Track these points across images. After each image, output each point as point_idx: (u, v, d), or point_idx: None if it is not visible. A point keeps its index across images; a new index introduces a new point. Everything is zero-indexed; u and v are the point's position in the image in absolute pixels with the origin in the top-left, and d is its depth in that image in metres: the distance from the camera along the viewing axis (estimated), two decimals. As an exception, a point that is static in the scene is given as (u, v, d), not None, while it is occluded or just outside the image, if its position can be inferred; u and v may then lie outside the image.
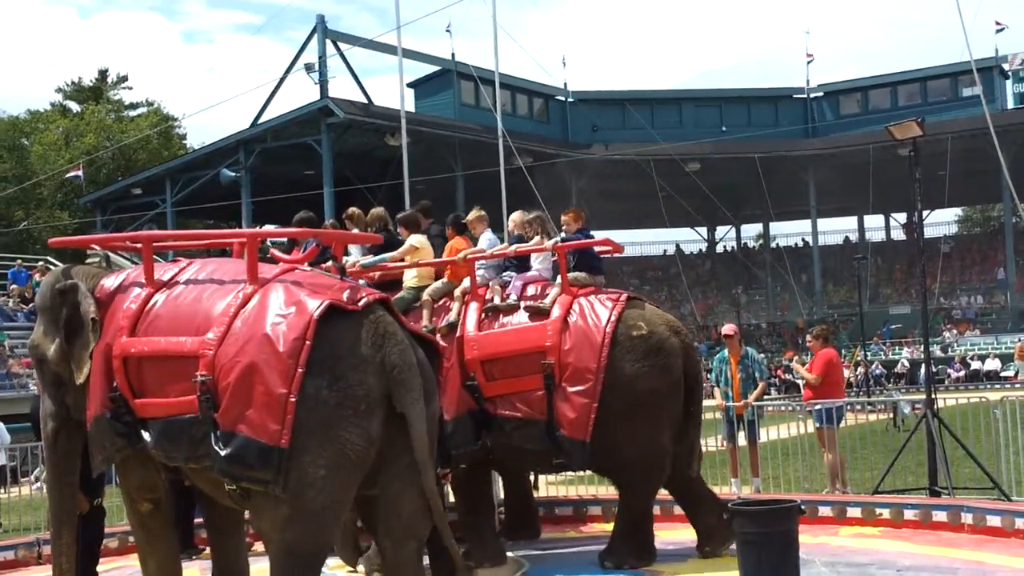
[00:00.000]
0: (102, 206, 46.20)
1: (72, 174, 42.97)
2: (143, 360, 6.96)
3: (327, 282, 7.01)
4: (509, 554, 10.26)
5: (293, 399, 6.24)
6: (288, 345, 6.34)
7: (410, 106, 43.60)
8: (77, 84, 60.52)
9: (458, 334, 9.57)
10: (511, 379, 9.31)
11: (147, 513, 7.41)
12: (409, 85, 45.58)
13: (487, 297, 9.93)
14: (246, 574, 7.87)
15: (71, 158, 47.87)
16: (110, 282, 7.46)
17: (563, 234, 10.29)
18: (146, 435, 6.93)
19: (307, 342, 6.33)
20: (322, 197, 39.05)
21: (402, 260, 10.21)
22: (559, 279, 9.92)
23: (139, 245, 7.85)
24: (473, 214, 10.87)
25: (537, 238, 10.24)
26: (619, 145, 49.61)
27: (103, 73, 60.91)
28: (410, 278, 10.27)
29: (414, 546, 6.71)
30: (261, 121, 42.93)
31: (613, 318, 9.39)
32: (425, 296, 9.99)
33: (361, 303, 6.65)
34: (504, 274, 10.22)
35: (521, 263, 10.32)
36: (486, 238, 10.49)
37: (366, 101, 43.49)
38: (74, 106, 58.99)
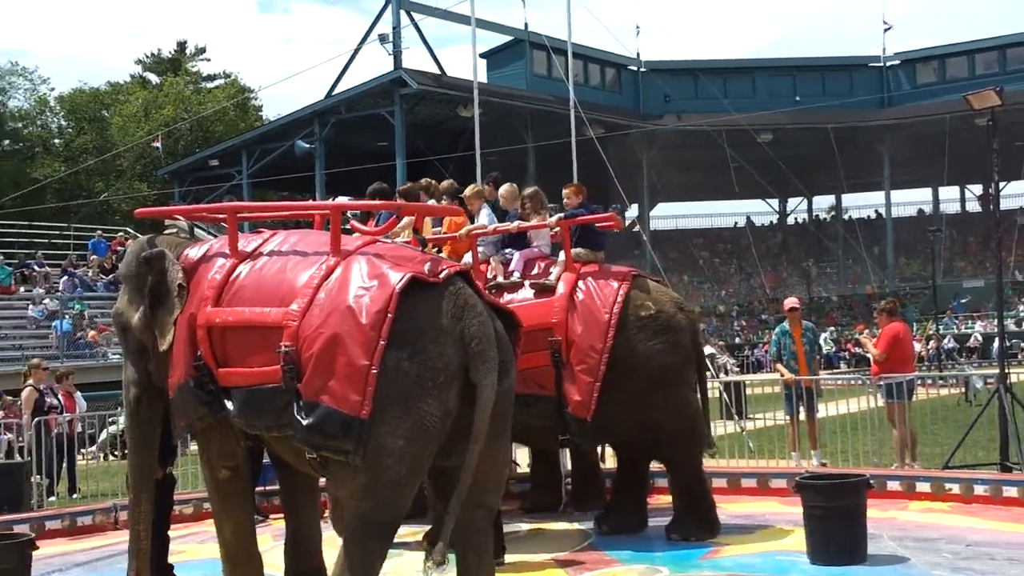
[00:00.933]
0: (180, 177, 46.93)
1: (154, 145, 43.73)
2: (227, 330, 7.09)
3: (408, 254, 7.09)
4: (576, 525, 10.47)
5: (375, 371, 6.29)
6: (371, 317, 6.41)
7: (482, 77, 43.67)
8: (156, 56, 61.33)
9: None
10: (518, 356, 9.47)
11: (225, 480, 7.55)
12: (482, 56, 45.65)
13: (489, 274, 10.01)
14: (319, 541, 8.12)
15: (150, 130, 48.65)
16: (194, 252, 7.62)
17: (565, 210, 10.31)
18: (229, 404, 7.07)
19: (389, 315, 6.39)
20: (394, 168, 39.32)
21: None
22: (561, 255, 9.99)
23: (223, 216, 8.09)
24: (470, 190, 10.90)
25: (538, 215, 10.31)
26: (691, 116, 49.30)
27: (182, 45, 61.72)
28: None
29: (483, 514, 6.81)
30: (335, 92, 43.32)
31: (620, 297, 9.52)
32: None
33: (442, 275, 6.69)
34: (505, 251, 10.27)
35: (519, 239, 10.33)
36: (485, 214, 10.49)
37: (439, 72, 43.71)
38: (153, 78, 59.82)
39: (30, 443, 13.57)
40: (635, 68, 53.68)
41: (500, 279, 9.93)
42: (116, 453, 16.50)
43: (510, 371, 6.81)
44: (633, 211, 55.18)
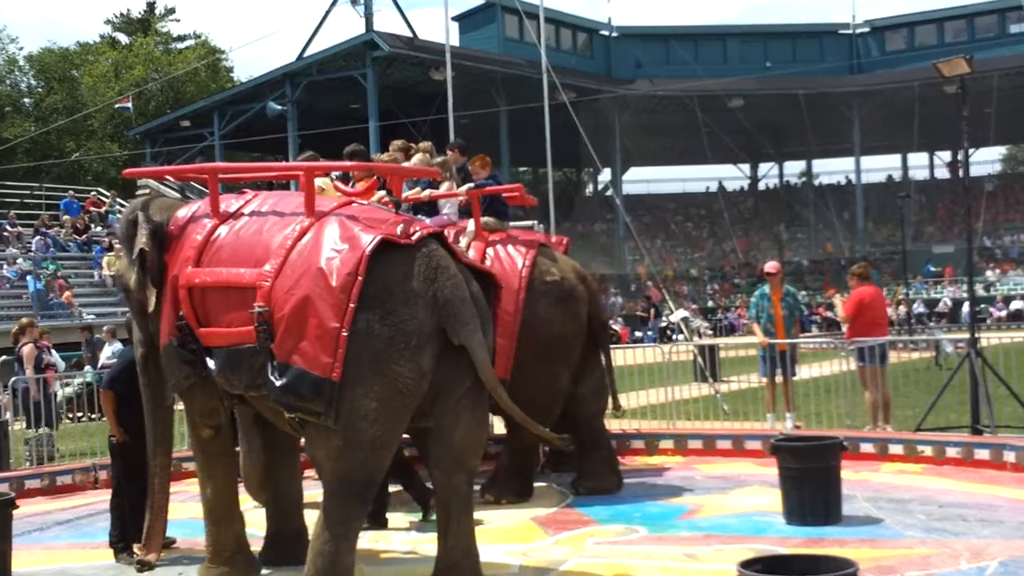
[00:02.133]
0: (151, 138, 46.59)
1: (121, 105, 43.33)
2: (206, 290, 7.16)
3: (382, 216, 7.08)
4: (554, 486, 10.58)
5: (345, 333, 6.33)
6: (341, 279, 6.42)
7: (454, 40, 43.46)
8: (126, 16, 60.69)
9: None
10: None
11: (207, 439, 7.64)
12: (453, 19, 45.42)
13: None
14: (300, 501, 8.18)
15: (120, 90, 48.22)
16: (182, 213, 7.65)
17: (473, 180, 10.60)
18: (211, 363, 7.15)
19: (359, 277, 6.41)
20: (367, 131, 39.20)
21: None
22: (470, 224, 10.30)
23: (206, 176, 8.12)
24: (385, 156, 11.04)
25: (447, 183, 10.54)
26: (663, 81, 49.29)
27: (151, 5, 61.02)
28: None
29: (463, 477, 6.84)
30: (307, 54, 43.05)
31: (527, 263, 9.91)
32: None
33: (415, 237, 6.70)
34: (416, 217, 10.41)
35: (431, 207, 10.66)
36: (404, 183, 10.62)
37: (411, 35, 43.47)
38: (123, 38, 59.24)
39: (29, 399, 13.73)
40: (607, 33, 53.58)
41: None
42: (71, 416, 16.38)
43: (488, 332, 6.86)
44: (606, 175, 55.26)
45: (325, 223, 6.88)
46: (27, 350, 15.17)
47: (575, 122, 21.27)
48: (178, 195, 8.04)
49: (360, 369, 6.36)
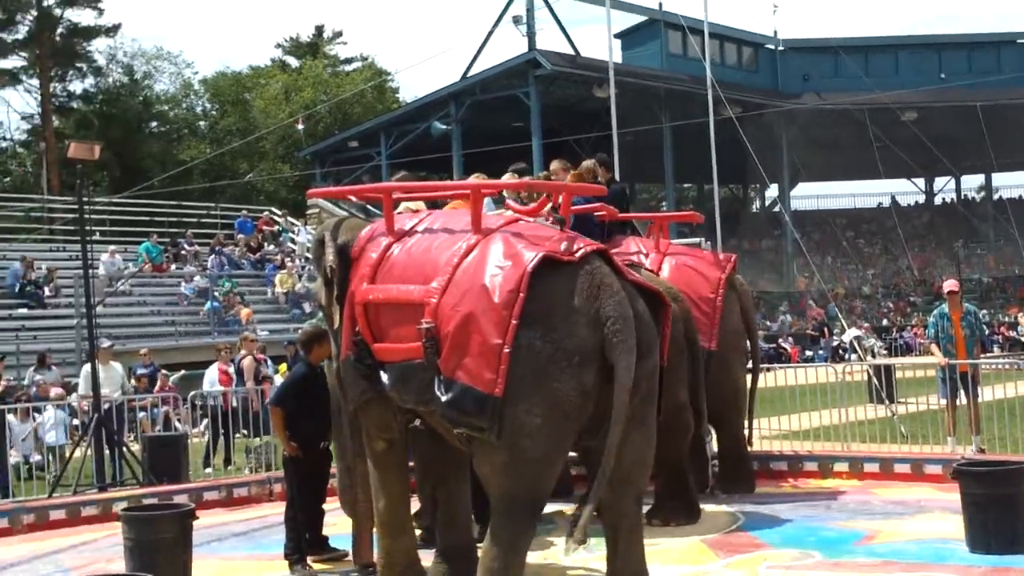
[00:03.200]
0: (320, 158, 47.77)
1: (296, 127, 44.64)
2: (380, 306, 7.31)
3: (546, 233, 7.08)
4: (724, 507, 10.38)
5: (507, 350, 6.35)
6: (503, 296, 6.46)
7: (617, 57, 43.46)
8: (295, 40, 62.42)
9: None
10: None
11: (381, 452, 7.75)
12: (616, 36, 45.38)
13: None
14: (469, 517, 8.17)
15: (291, 112, 49.58)
16: (365, 232, 7.84)
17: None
18: (384, 378, 7.27)
19: (521, 294, 6.42)
20: (530, 149, 39.41)
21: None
22: None
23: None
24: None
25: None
26: (832, 94, 48.23)
27: (319, 29, 62.70)
28: None
29: (632, 497, 6.79)
30: (471, 74, 43.56)
31: None
32: None
33: (578, 254, 6.68)
34: None
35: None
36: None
37: (573, 53, 43.57)
38: (293, 61, 60.99)
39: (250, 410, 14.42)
40: (773, 47, 52.72)
41: None
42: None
43: (653, 351, 6.77)
44: (773, 191, 54.38)
45: (491, 241, 6.92)
46: (247, 362, 15.95)
47: (741, 137, 20.98)
48: (348, 214, 8.38)
49: (522, 386, 6.36)
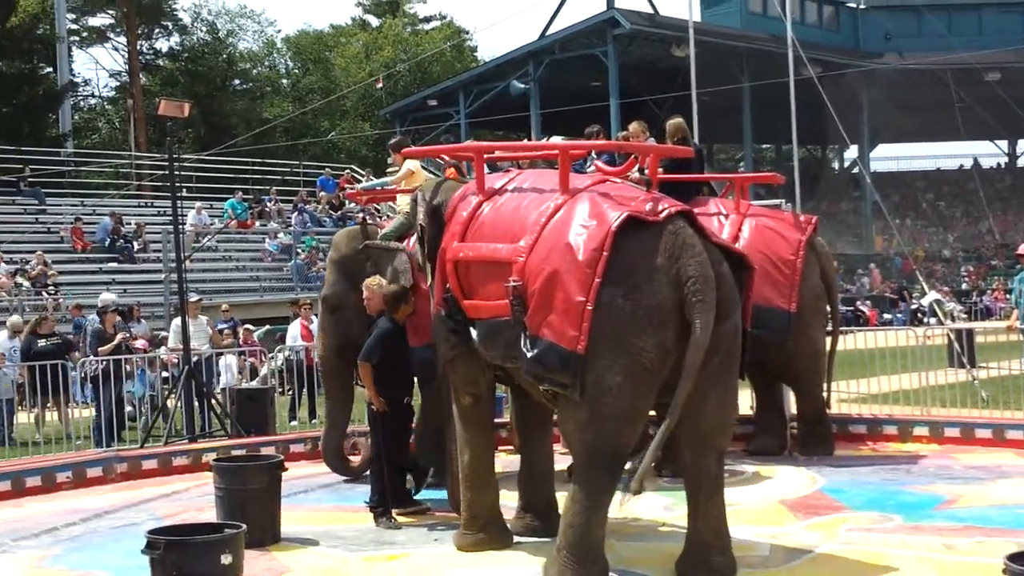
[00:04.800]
0: (400, 117, 47.95)
1: (376, 86, 44.89)
2: (470, 264, 7.51)
3: (632, 194, 7.18)
4: (803, 469, 10.44)
5: (590, 307, 6.47)
6: (587, 255, 6.58)
7: (697, 16, 42.95)
8: (375, -2, 62.70)
9: None
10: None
11: (467, 407, 7.90)
12: (696, -6, 44.90)
13: None
14: (551, 475, 8.37)
15: (371, 71, 49.80)
16: (459, 192, 8.02)
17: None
18: (473, 334, 7.47)
19: (604, 253, 6.54)
20: (608, 108, 39.26)
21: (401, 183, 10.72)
22: None
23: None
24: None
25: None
26: (914, 54, 47.22)
27: (399, -13, 62.79)
28: (405, 203, 10.49)
29: (713, 457, 6.86)
30: (549, 33, 43.41)
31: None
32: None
33: (662, 215, 6.76)
34: None
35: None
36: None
37: (652, 11, 43.23)
38: (373, 20, 61.14)
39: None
40: (854, 5, 51.78)
41: None
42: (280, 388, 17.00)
43: (732, 312, 6.82)
44: (853, 152, 53.60)
45: (577, 200, 7.04)
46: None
47: (821, 98, 20.72)
48: (439, 176, 8.75)
49: (604, 343, 6.48)
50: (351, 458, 10.80)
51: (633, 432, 6.77)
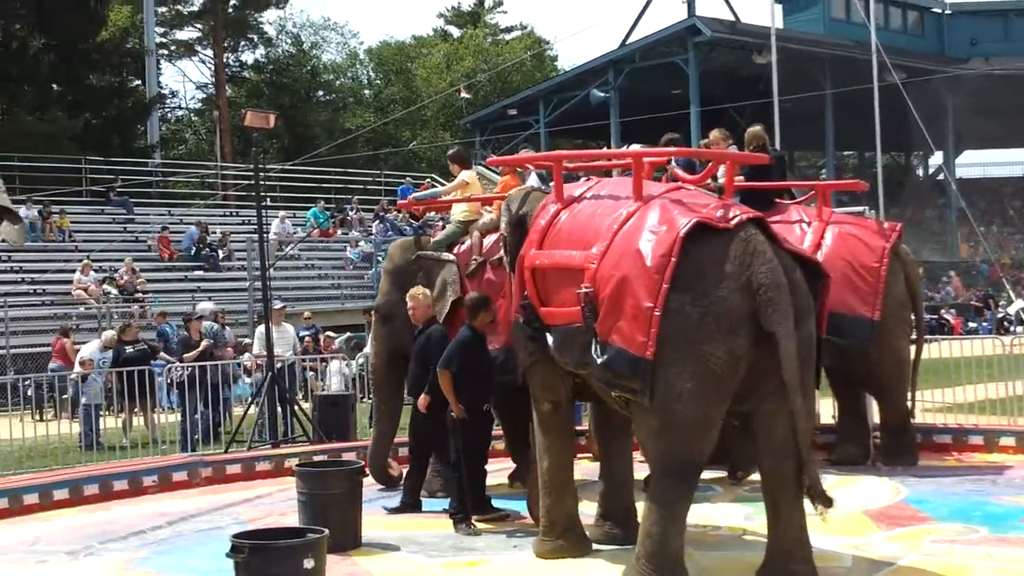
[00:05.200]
0: (480, 127, 48.19)
1: (461, 95, 45.21)
2: (545, 271, 7.56)
3: (704, 201, 7.20)
4: (886, 479, 10.29)
5: (658, 313, 6.49)
6: (655, 261, 6.60)
7: (778, 22, 42.66)
8: (457, 9, 62.97)
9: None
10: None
11: (547, 413, 7.90)
12: (777, 1, 44.50)
13: None
14: (631, 483, 8.33)
15: (452, 81, 50.11)
16: (542, 201, 8.11)
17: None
18: (549, 341, 7.50)
19: (672, 259, 6.56)
20: (688, 116, 39.11)
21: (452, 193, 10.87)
22: None
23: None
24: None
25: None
26: (1000, 59, 46.48)
27: (480, -1, 63.20)
28: (459, 212, 10.67)
29: (790, 466, 6.77)
30: (630, 41, 43.38)
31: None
32: (474, 230, 10.33)
33: (733, 222, 6.76)
34: None
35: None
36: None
37: (733, 19, 42.99)
38: (454, 31, 61.57)
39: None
40: (939, 10, 51.03)
41: None
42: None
43: (806, 319, 6.77)
44: (937, 158, 52.82)
45: (649, 207, 7.07)
46: None
47: (905, 104, 20.51)
48: (529, 187, 9.02)
49: (673, 349, 6.49)
50: (391, 468, 10.89)
51: (706, 440, 6.74)
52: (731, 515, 8.78)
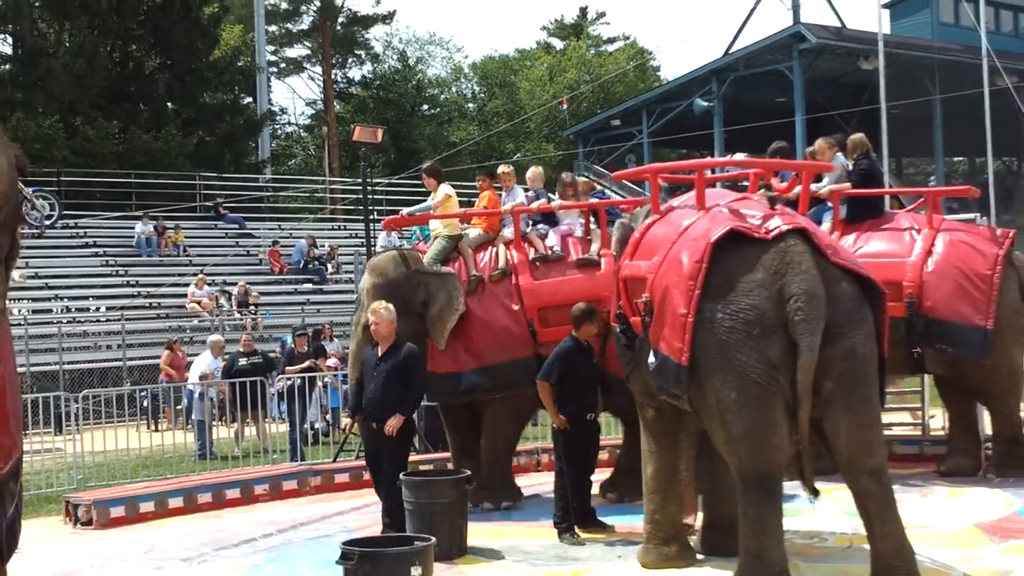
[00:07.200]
0: (584, 138, 48.24)
1: (561, 107, 45.33)
2: (629, 282, 7.69)
3: (752, 210, 7.22)
4: (998, 491, 10.07)
5: (691, 319, 6.63)
6: (689, 268, 6.75)
7: (886, 28, 41.92)
8: (560, 22, 63.23)
9: (514, 282, 10.23)
10: (564, 326, 9.48)
11: (650, 418, 7.91)
12: (884, 5, 43.79)
13: (532, 249, 10.49)
14: (733, 487, 8.31)
15: (555, 93, 50.28)
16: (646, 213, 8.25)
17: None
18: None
19: (704, 265, 6.69)
20: (793, 124, 38.68)
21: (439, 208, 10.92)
22: (596, 232, 10.42)
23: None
24: (502, 169, 11.55)
25: (572, 199, 10.90)
26: (1121, 60, 45.15)
27: (583, 10, 63.20)
28: (443, 227, 10.70)
29: (866, 479, 6.70)
30: (733, 50, 43.07)
31: None
32: (464, 245, 10.45)
33: (772, 232, 6.80)
34: (538, 226, 10.76)
35: (549, 217, 10.85)
36: (520, 192, 11.04)
37: (839, 25, 42.44)
38: (557, 43, 61.81)
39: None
40: (1051, 12, 49.78)
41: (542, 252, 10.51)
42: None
43: (851, 332, 6.64)
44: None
45: (702, 217, 7.21)
46: None
47: (1017, 108, 20.06)
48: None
49: (710, 358, 6.60)
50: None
51: (772, 448, 6.67)
52: (838, 526, 8.68)
